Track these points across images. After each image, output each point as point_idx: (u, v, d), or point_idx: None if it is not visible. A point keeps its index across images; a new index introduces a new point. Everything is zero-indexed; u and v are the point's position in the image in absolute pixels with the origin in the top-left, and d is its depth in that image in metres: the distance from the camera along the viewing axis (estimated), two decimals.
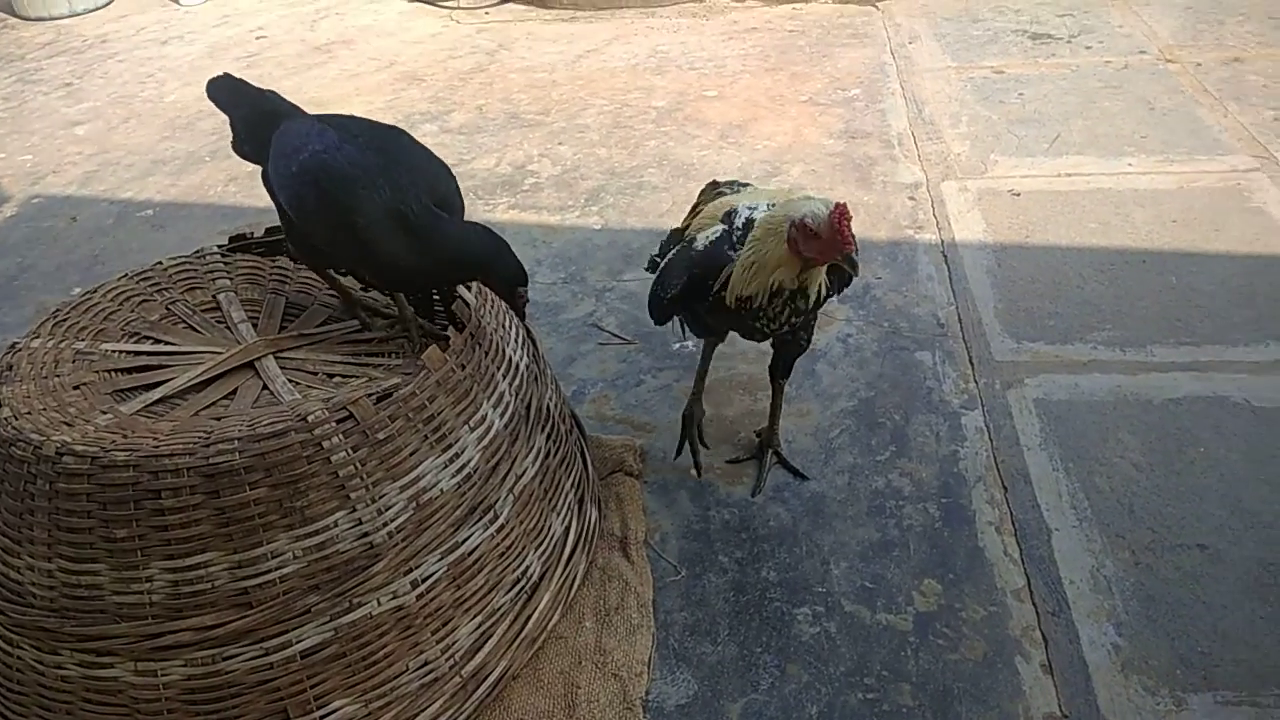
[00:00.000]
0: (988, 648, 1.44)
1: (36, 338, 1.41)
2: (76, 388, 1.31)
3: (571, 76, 3.56)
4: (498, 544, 1.34)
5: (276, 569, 1.16)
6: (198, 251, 1.64)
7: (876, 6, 3.94)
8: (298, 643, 1.18)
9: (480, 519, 1.31)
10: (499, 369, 1.40)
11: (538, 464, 1.44)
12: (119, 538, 1.13)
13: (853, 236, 1.35)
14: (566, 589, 1.48)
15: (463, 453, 1.29)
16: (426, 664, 1.28)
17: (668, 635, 1.49)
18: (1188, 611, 1.47)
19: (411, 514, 1.23)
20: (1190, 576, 1.52)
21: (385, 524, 1.21)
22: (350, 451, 1.17)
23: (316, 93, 3.52)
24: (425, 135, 3.19)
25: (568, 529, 1.51)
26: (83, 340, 1.42)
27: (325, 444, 1.16)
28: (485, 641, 1.33)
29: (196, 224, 2.78)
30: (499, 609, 1.34)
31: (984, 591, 1.53)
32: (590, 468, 1.67)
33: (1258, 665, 1.39)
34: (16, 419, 1.20)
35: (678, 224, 1.91)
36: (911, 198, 2.62)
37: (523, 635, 1.38)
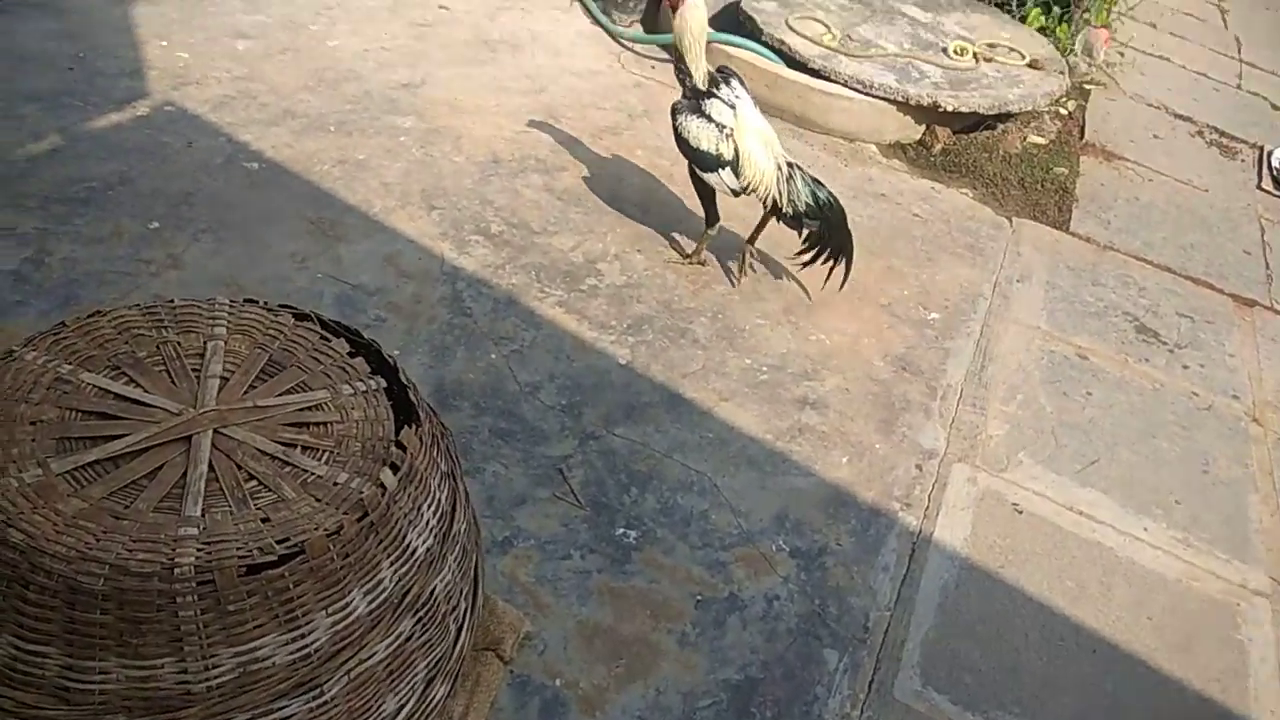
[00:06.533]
0: None
1: (31, 350, 1.55)
2: (33, 423, 1.44)
3: None
4: (316, 717, 1.43)
5: (99, 682, 1.28)
6: (210, 299, 1.76)
7: (1011, 222, 3.87)
8: None
9: (305, 694, 1.41)
10: (389, 556, 1.49)
11: (392, 648, 1.53)
12: None
13: None
14: None
15: (310, 634, 1.38)
16: None
17: None
18: None
19: (236, 677, 1.33)
20: None
21: (207, 679, 1.31)
22: (198, 613, 1.28)
23: (460, 97, 3.64)
24: (528, 187, 3.28)
25: (401, 707, 1.59)
26: (70, 364, 1.55)
27: (179, 600, 1.27)
28: None
29: (287, 198, 2.93)
30: None
31: None
32: (461, 644, 1.75)
33: None
34: None
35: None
36: (919, 467, 2.60)
37: None
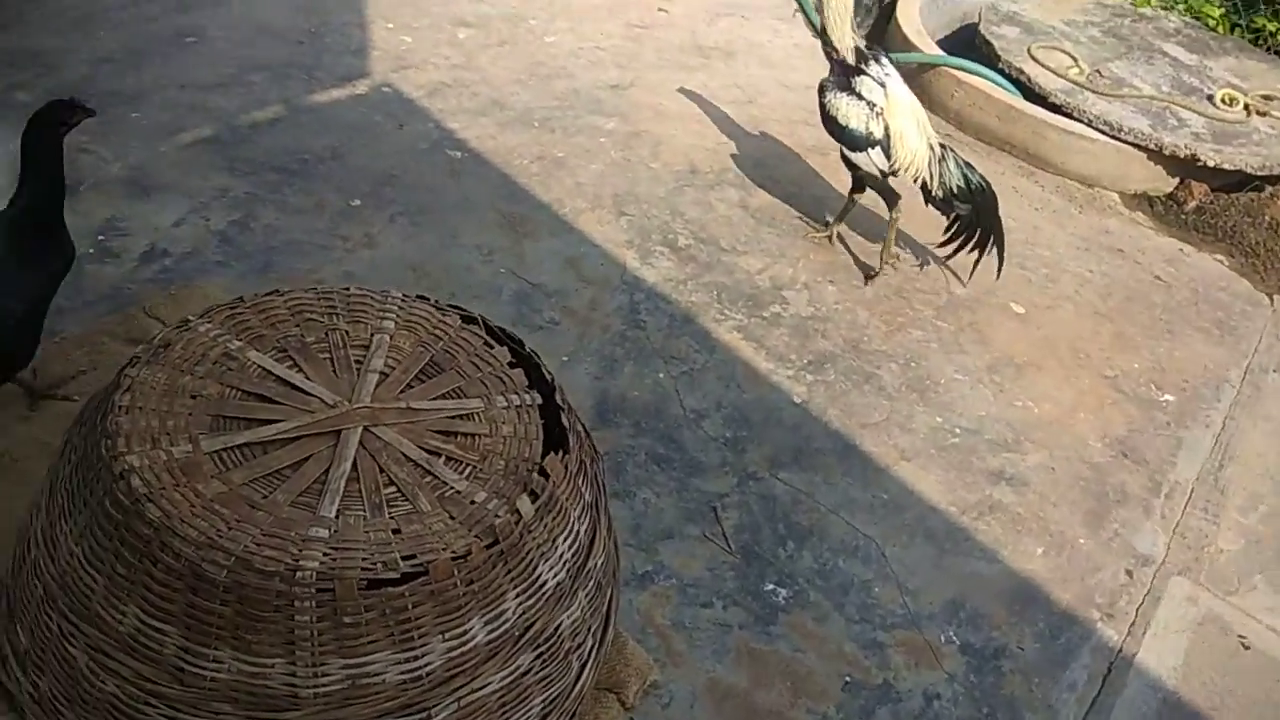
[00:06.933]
0: None
1: (206, 322, 1.55)
2: (194, 397, 1.43)
3: None
4: None
5: (211, 670, 1.24)
6: (384, 290, 1.73)
7: (1272, 300, 3.35)
8: None
9: (412, 715, 1.32)
10: (515, 587, 1.38)
11: (507, 680, 1.42)
12: (117, 572, 1.25)
13: None
14: None
15: (423, 656, 1.30)
16: None
17: None
18: None
19: (344, 688, 1.26)
20: None
21: (315, 686, 1.25)
22: (314, 620, 1.22)
23: (666, 102, 3.55)
24: (722, 201, 3.13)
25: None
26: (240, 340, 1.55)
27: (296, 604, 1.21)
28: None
29: (484, 189, 2.92)
30: None
31: None
32: (583, 682, 1.62)
33: None
34: (125, 412, 1.35)
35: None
36: (1129, 573, 2.25)
37: None
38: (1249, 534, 2.43)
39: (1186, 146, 3.55)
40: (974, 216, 2.76)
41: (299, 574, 1.21)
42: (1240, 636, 2.17)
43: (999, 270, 2.82)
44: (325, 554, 1.24)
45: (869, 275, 2.91)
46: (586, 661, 1.64)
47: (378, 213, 2.74)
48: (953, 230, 2.82)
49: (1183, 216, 3.62)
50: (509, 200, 2.91)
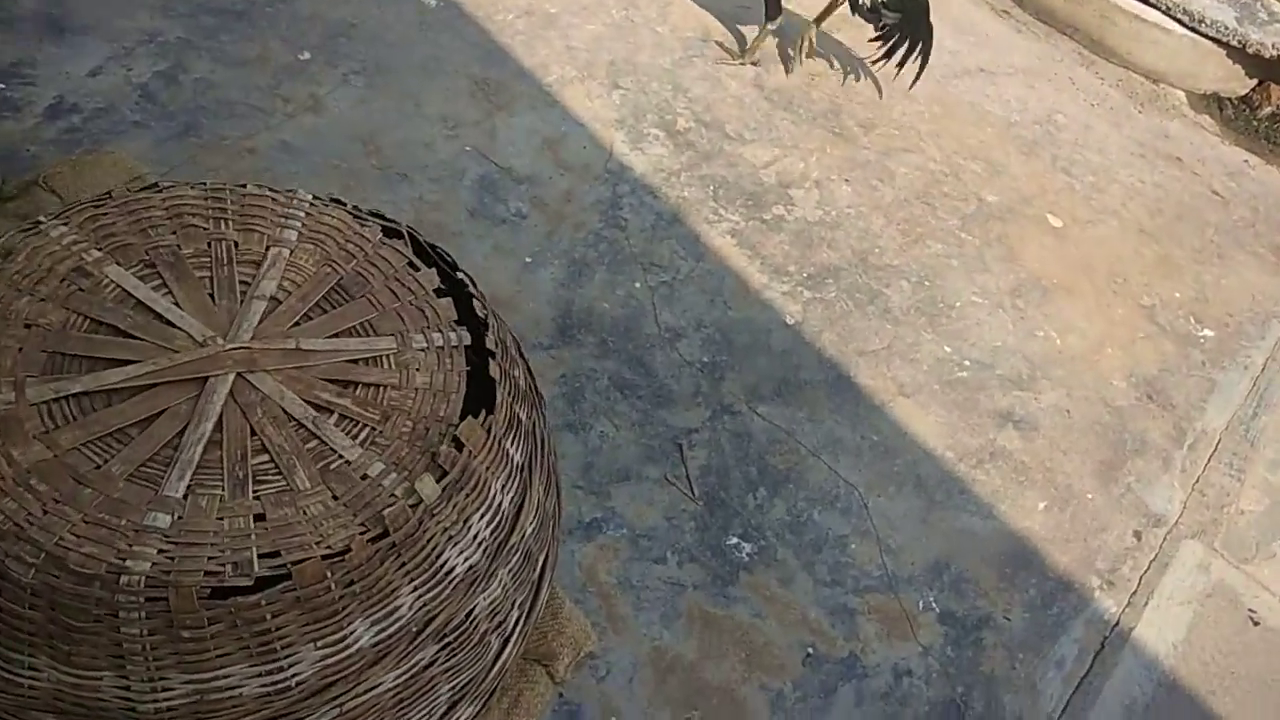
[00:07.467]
0: None
1: (61, 225, 1.28)
2: (29, 326, 1.18)
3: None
4: None
5: (27, 678, 1.04)
6: (290, 191, 1.43)
7: None
8: None
9: None
10: (411, 581, 1.16)
11: (404, 677, 1.23)
12: None
13: None
14: None
15: (290, 668, 1.09)
16: None
17: None
18: None
19: (192, 703, 1.07)
20: None
21: (157, 701, 1.05)
22: (144, 633, 1.00)
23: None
24: (735, 79, 2.74)
25: None
26: (100, 250, 1.28)
27: (121, 614, 0.99)
28: None
29: (457, 48, 2.55)
30: None
31: None
32: (505, 657, 1.44)
33: None
34: None
35: None
36: (1137, 535, 2.03)
37: None
38: (1276, 494, 2.19)
39: (1275, 45, 3.08)
40: (903, 25, 2.60)
41: (123, 578, 0.99)
42: (1250, 611, 1.97)
43: (914, 81, 2.72)
44: (161, 550, 1.01)
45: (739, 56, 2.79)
46: (510, 637, 1.44)
47: (329, 70, 2.38)
48: (880, 38, 2.65)
49: (1254, 123, 3.19)
50: (485, 63, 2.54)
